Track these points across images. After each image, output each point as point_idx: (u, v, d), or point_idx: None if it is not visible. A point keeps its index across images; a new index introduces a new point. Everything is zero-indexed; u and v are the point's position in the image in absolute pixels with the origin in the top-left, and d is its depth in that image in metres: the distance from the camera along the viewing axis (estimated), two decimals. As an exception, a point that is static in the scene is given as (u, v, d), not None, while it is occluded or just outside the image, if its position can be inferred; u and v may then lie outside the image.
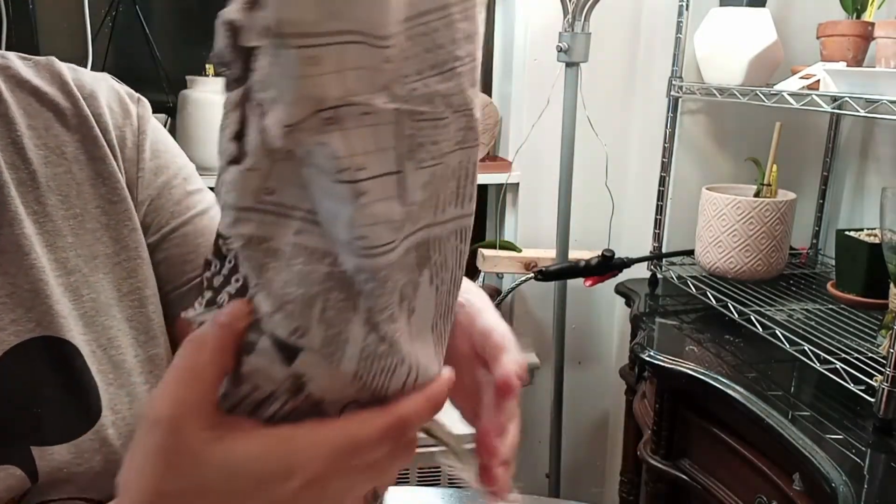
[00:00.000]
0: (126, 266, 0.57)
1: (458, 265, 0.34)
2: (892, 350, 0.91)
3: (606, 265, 1.41)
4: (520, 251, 1.72)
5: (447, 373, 0.37)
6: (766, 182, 1.35)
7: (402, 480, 1.60)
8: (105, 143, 0.57)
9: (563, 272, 1.44)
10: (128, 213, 0.58)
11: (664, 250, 1.56)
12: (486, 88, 1.88)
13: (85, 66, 1.59)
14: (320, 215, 0.30)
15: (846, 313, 1.24)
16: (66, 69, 0.59)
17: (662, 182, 1.53)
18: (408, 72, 0.29)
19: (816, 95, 1.13)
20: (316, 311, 0.30)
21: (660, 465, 1.23)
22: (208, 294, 0.33)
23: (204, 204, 0.63)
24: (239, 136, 0.29)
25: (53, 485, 0.51)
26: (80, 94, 0.58)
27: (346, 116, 0.27)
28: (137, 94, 0.63)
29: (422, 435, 0.37)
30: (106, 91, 0.60)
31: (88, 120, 0.57)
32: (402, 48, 0.28)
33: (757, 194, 1.35)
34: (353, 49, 0.27)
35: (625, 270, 1.45)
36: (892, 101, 0.99)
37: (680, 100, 1.51)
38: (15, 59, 0.57)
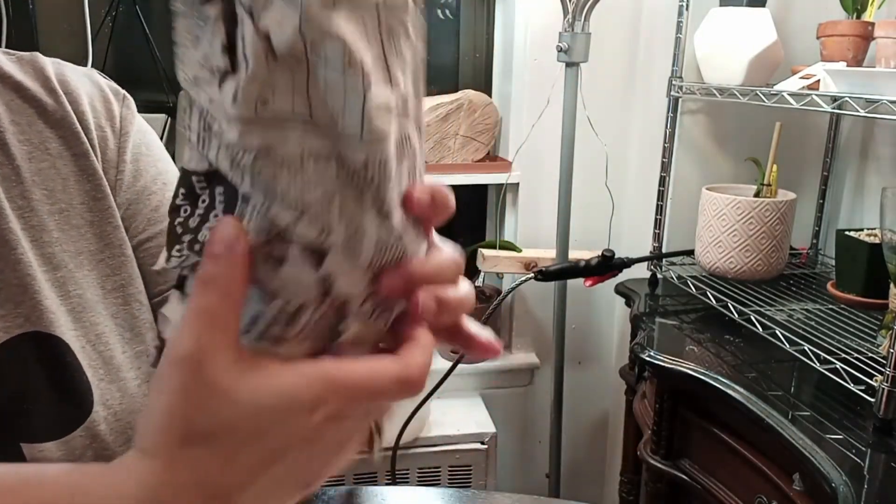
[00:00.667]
0: (110, 263, 0.57)
1: (423, 161, 0.36)
2: (892, 350, 0.91)
3: (606, 265, 1.41)
4: (520, 251, 1.72)
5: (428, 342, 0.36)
6: (766, 182, 1.35)
7: (401, 480, 1.61)
8: (87, 141, 0.57)
9: (563, 272, 1.44)
10: (111, 211, 0.57)
11: (664, 250, 1.56)
12: (487, 88, 1.88)
13: (85, 66, 1.59)
14: (320, 116, 0.30)
15: (846, 313, 1.24)
16: (50, 65, 0.58)
17: (662, 182, 1.53)
18: None
19: (816, 95, 1.13)
20: (335, 210, 0.31)
21: (660, 465, 1.23)
22: (187, 237, 0.33)
23: None
24: (228, 48, 0.29)
25: None
26: (64, 90, 0.57)
27: (343, 8, 0.29)
28: (123, 92, 0.62)
29: None
30: (89, 88, 0.59)
31: (70, 117, 0.56)
32: None
33: (757, 194, 1.35)
34: None
35: (625, 270, 1.45)
36: (892, 101, 0.99)
37: (680, 100, 1.51)
38: None
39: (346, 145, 0.31)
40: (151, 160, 0.62)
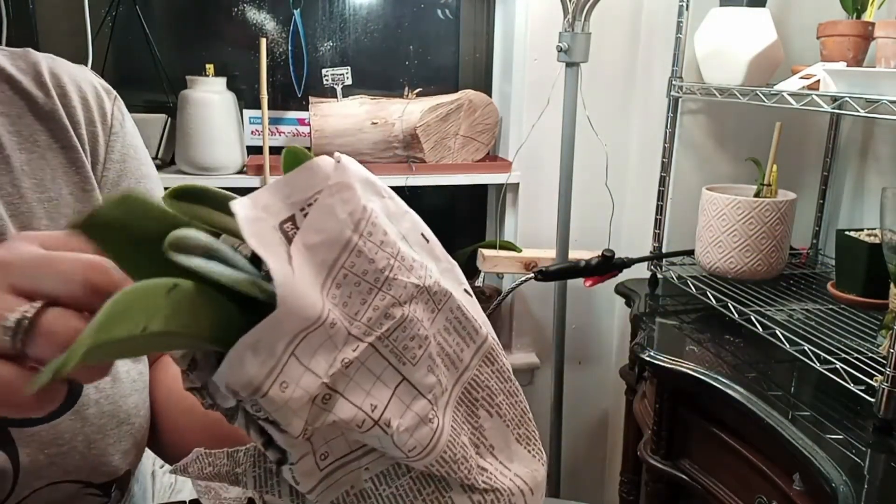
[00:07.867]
0: None
1: (500, 378, 0.36)
2: (892, 350, 0.91)
3: (606, 265, 1.41)
4: (520, 251, 1.72)
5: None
6: (766, 182, 1.35)
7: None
8: (75, 136, 0.58)
9: (563, 272, 1.44)
10: (97, 204, 0.57)
11: (664, 250, 1.56)
12: (486, 88, 1.88)
13: (86, 66, 1.59)
14: (372, 445, 0.32)
15: (846, 313, 1.24)
16: (43, 60, 0.59)
17: (662, 182, 1.53)
18: (354, 311, 0.30)
19: (816, 95, 1.13)
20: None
21: (660, 465, 1.23)
22: None
23: None
24: (268, 443, 0.32)
25: (37, 471, 0.51)
26: (54, 83, 0.58)
27: (337, 381, 0.30)
28: (114, 92, 0.63)
29: None
30: (82, 84, 0.61)
31: (59, 111, 0.58)
32: (334, 302, 0.30)
33: (757, 194, 1.35)
34: (302, 345, 0.29)
35: (625, 270, 1.45)
36: (892, 101, 0.99)
37: (680, 100, 1.50)
38: None
39: (405, 459, 0.32)
40: (137, 163, 0.63)
